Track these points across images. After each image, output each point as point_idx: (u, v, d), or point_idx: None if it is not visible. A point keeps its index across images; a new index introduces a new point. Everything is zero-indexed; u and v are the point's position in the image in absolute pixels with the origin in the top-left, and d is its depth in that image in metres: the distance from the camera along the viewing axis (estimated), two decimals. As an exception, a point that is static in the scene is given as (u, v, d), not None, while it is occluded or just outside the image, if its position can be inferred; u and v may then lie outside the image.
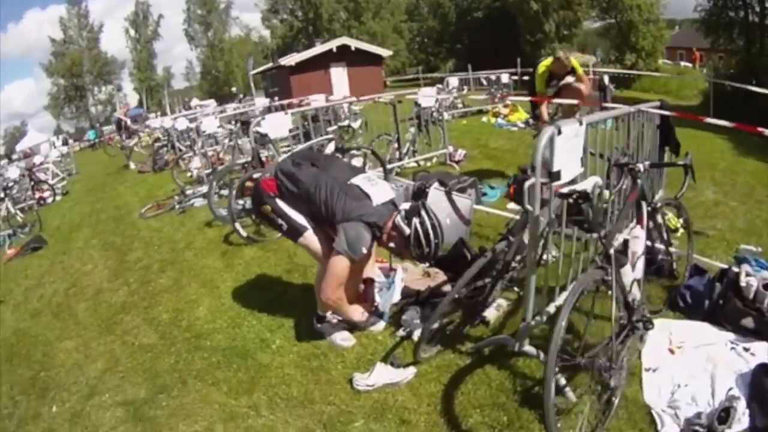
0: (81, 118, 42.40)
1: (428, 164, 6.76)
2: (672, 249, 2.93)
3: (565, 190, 1.91)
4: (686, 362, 2.19)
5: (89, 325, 4.13)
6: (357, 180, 2.53)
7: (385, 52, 25.79)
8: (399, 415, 2.22)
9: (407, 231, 2.37)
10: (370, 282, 3.05)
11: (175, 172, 8.72)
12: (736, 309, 2.31)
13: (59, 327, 4.24)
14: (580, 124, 2.15)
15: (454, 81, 13.51)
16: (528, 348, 2.12)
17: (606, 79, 11.41)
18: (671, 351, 2.26)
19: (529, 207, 2.00)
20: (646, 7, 25.90)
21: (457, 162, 6.68)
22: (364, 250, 2.40)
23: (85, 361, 3.53)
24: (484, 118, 10.69)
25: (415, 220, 2.37)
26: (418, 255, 2.45)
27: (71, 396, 3.12)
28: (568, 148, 2.05)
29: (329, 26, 34.88)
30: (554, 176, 1.98)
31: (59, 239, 7.43)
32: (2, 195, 8.73)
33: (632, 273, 2.08)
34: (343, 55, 22.83)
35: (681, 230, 3.57)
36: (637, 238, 2.18)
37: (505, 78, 13.62)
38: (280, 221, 2.62)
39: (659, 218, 2.62)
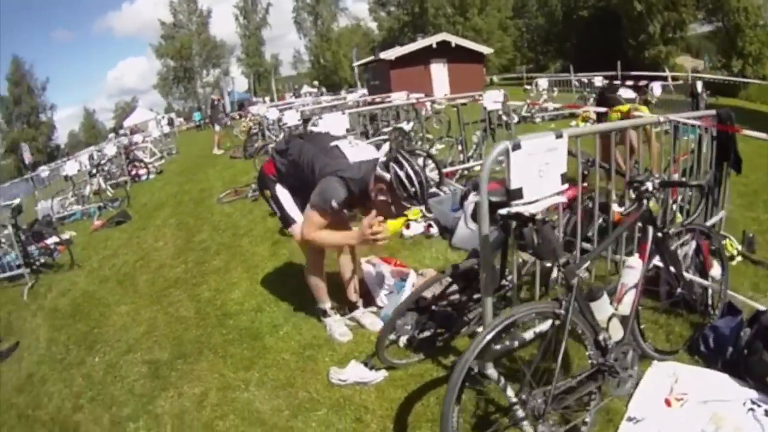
0: (189, 98, 49.34)
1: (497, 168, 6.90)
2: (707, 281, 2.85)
3: (503, 210, 2.01)
4: (683, 418, 2.11)
5: (144, 294, 5.10)
6: (337, 143, 2.95)
7: (486, 50, 27.34)
8: (356, 413, 2.58)
9: (387, 176, 2.65)
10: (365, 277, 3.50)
11: (257, 160, 9.85)
12: (763, 362, 2.24)
13: (119, 293, 5.30)
14: (558, 136, 2.21)
15: (543, 83, 13.80)
16: (489, 371, 2.17)
17: (699, 86, 11.14)
18: (668, 402, 2.17)
19: (472, 226, 2.22)
20: (753, 10, 25.99)
21: None
22: (335, 203, 2.70)
23: (132, 324, 4.44)
24: (573, 122, 10.54)
25: (393, 166, 2.63)
26: (406, 198, 2.66)
27: (112, 351, 4.00)
28: (533, 163, 2.11)
29: (435, 21, 37.87)
30: (513, 194, 2.07)
31: (142, 216, 8.95)
32: (94, 171, 10.75)
33: (610, 308, 2.07)
34: (443, 51, 24.36)
35: (738, 258, 3.42)
36: (631, 268, 2.18)
37: (598, 81, 13.72)
38: (275, 208, 3.13)
39: (678, 246, 2.61)
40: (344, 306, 3.55)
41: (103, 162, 11.79)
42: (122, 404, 3.22)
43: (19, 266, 6.28)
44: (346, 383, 2.78)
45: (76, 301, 5.36)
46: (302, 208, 3.06)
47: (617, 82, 10.39)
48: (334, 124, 5.43)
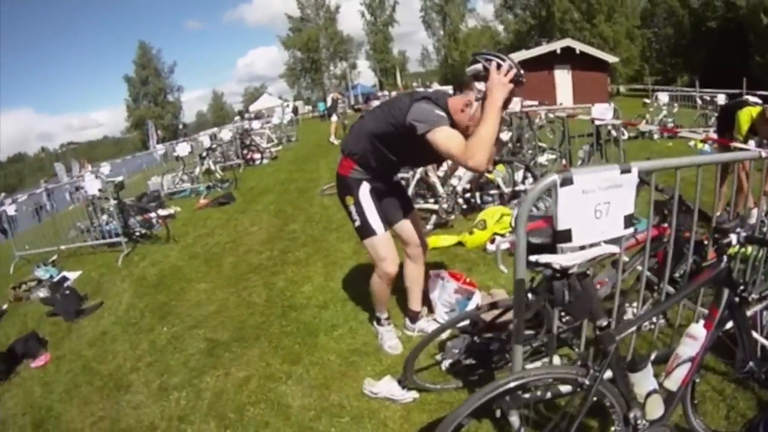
0: (316, 89, 56.92)
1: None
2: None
3: (532, 258, 1.98)
4: None
5: (225, 276, 5.84)
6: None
7: (610, 58, 28.70)
8: (376, 429, 2.80)
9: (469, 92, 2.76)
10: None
11: None
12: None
13: (203, 271, 6.12)
14: (624, 171, 2.11)
15: (663, 97, 13.77)
16: (512, 419, 2.19)
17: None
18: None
19: (503, 268, 2.29)
20: None
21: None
22: (439, 112, 2.75)
23: (205, 302, 5.14)
24: (692, 142, 9.94)
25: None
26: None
27: (180, 324, 4.71)
28: (588, 202, 2.07)
29: (561, 26, 41.26)
30: (560, 236, 2.06)
31: (246, 199, 10.05)
32: (204, 154, 12.47)
33: (653, 382, 2.02)
34: (567, 58, 26.00)
35: None
36: (691, 338, 2.07)
37: (721, 99, 13.32)
38: (355, 216, 3.21)
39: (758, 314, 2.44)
40: (407, 315, 3.80)
41: (213, 146, 13.57)
42: (173, 373, 3.82)
43: (118, 235, 7.61)
44: (377, 396, 3.01)
45: (162, 273, 6.31)
46: (393, 215, 3.37)
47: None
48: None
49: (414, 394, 2.96)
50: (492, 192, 6.27)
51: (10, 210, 8.16)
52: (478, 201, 6.30)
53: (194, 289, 5.56)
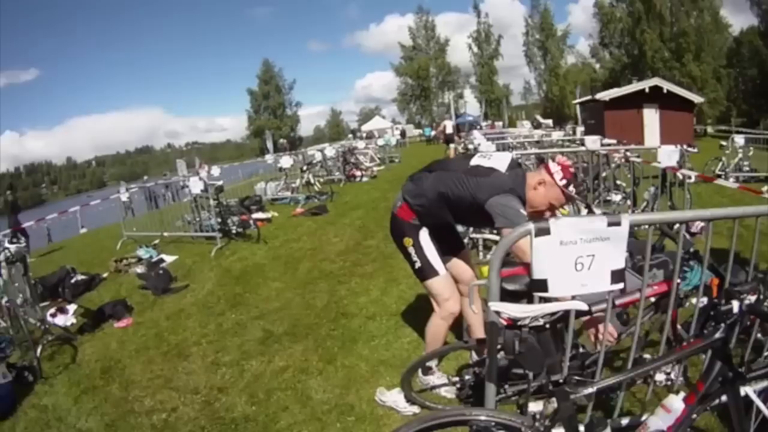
0: (424, 114, 59.96)
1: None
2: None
3: (492, 305, 1.91)
4: None
5: (297, 278, 6.37)
6: (474, 161, 3.04)
7: (696, 98, 28.72)
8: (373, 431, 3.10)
9: (543, 172, 2.86)
10: None
11: None
12: None
13: (280, 272, 6.69)
14: (612, 223, 2.02)
15: (740, 140, 13.00)
16: None
17: None
18: None
19: (474, 309, 2.36)
20: None
21: (693, 234, 6.33)
22: (523, 211, 2.75)
23: (274, 298, 5.70)
24: (765, 187, 8.98)
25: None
26: (576, 185, 2.79)
27: (247, 313, 5.28)
28: (568, 253, 2.01)
29: (652, 64, 42.49)
30: (535, 285, 2.03)
31: (338, 212, 10.66)
32: (305, 168, 13.53)
33: None
34: (655, 97, 26.23)
35: None
36: (665, 410, 1.96)
37: None
38: (415, 258, 3.18)
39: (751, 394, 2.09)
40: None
41: (314, 161, 14.75)
42: (227, 353, 4.35)
43: (215, 230, 8.49)
44: (384, 404, 3.27)
45: (245, 268, 6.99)
46: (444, 254, 3.27)
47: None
48: (500, 159, 5.91)
49: (416, 409, 3.17)
50: None
51: (123, 197, 9.37)
52: None
53: (268, 286, 6.14)
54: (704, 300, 2.59)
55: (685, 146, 7.52)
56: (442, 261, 3.23)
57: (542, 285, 2.02)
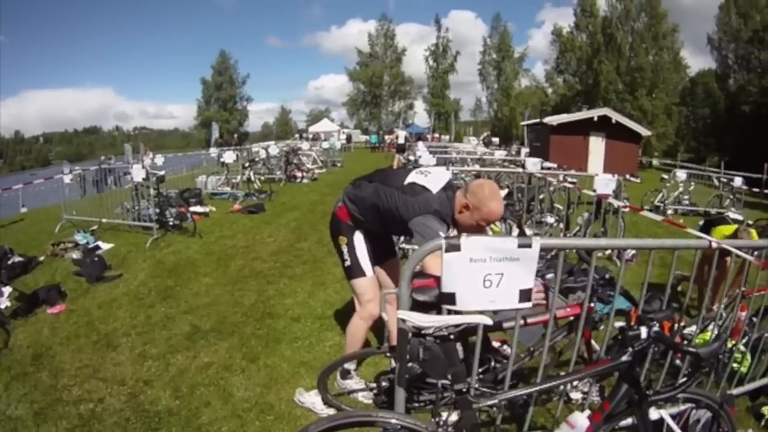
0: (372, 122, 59.85)
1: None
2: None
3: (401, 313, 1.98)
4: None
5: (228, 275, 6.52)
6: (411, 178, 3.12)
7: (644, 131, 29.77)
8: (290, 430, 3.30)
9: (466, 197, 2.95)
10: None
11: None
12: None
13: (212, 267, 6.83)
14: (522, 245, 2.09)
15: (681, 174, 14.10)
16: None
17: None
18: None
19: (384, 316, 2.47)
20: None
21: (625, 261, 6.77)
22: (441, 233, 2.78)
23: (203, 293, 5.84)
24: (702, 221, 9.98)
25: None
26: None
27: (177, 306, 5.42)
28: (477, 270, 2.07)
29: (605, 95, 43.93)
30: (443, 298, 2.10)
31: (274, 212, 10.82)
32: (247, 164, 13.65)
33: None
34: (603, 126, 27.10)
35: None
36: (570, 426, 2.05)
37: (738, 182, 13.82)
38: (346, 256, 3.35)
39: (666, 417, 2.39)
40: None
41: (255, 159, 14.89)
42: (155, 345, 4.46)
43: (152, 221, 8.45)
44: (302, 405, 3.51)
45: (178, 261, 7.06)
46: (375, 259, 3.45)
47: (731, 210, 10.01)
48: (437, 178, 6.29)
49: (331, 412, 3.38)
50: None
51: (66, 179, 9.26)
52: None
53: (199, 281, 6.25)
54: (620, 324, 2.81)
55: (627, 176, 7.93)
56: (372, 264, 3.39)
57: (451, 298, 2.08)
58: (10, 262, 6.60)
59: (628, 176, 23.18)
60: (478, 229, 3.01)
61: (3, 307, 5.35)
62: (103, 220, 8.88)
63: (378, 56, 61.07)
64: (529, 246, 2.08)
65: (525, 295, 2.17)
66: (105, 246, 7.70)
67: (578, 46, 48.84)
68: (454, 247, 2.02)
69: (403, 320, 1.97)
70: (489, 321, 2.03)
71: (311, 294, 5.79)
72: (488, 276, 2.09)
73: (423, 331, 1.96)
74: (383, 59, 61.08)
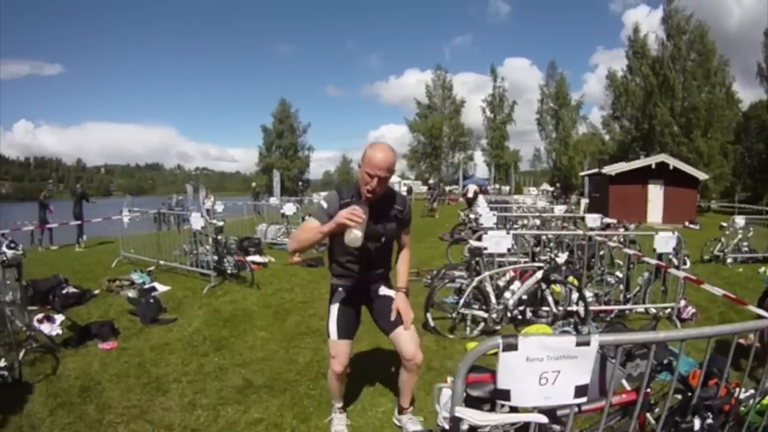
0: (433, 173, 61.12)
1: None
2: None
3: (458, 412, 2.03)
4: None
5: (284, 331, 6.62)
6: None
7: (701, 175, 29.72)
8: None
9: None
10: None
11: (451, 250, 11.56)
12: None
13: (268, 321, 6.94)
14: (581, 343, 2.10)
15: (740, 221, 13.82)
16: None
17: None
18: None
19: (437, 408, 2.46)
20: None
21: (683, 320, 6.89)
22: (323, 203, 3.45)
23: (258, 348, 5.94)
24: (762, 268, 10.01)
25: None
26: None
27: (230, 358, 5.54)
28: (533, 369, 2.09)
29: (661, 139, 44.59)
30: (498, 394, 2.10)
31: (334, 269, 10.89)
32: (307, 217, 13.65)
33: None
34: (661, 172, 27.38)
35: None
36: None
37: None
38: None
39: None
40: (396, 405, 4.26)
41: None
42: (205, 395, 4.56)
43: (210, 268, 8.77)
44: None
45: (235, 312, 7.24)
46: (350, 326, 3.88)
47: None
48: (497, 240, 6.59)
49: None
50: (545, 308, 6.51)
51: (126, 219, 9.81)
52: (530, 315, 6.60)
53: (254, 334, 6.36)
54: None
55: (686, 223, 7.81)
56: (384, 330, 3.79)
57: (506, 395, 2.10)
58: (64, 292, 7.03)
59: (687, 223, 23.54)
60: (368, 180, 3.31)
61: (54, 334, 5.69)
62: (161, 262, 9.27)
63: (437, 107, 64.15)
64: (588, 344, 2.11)
65: (581, 390, 2.17)
66: (161, 288, 8.03)
67: (632, 91, 49.50)
68: (511, 347, 2.04)
69: (459, 418, 2.02)
70: (545, 419, 2.11)
71: (368, 357, 5.74)
72: (544, 374, 2.11)
73: (479, 430, 2.07)
74: (442, 110, 64.11)
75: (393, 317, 3.69)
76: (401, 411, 4.12)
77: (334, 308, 3.79)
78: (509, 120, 63.08)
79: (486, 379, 2.34)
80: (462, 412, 2.00)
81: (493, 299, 6.37)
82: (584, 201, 24.53)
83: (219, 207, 14.15)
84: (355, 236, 3.02)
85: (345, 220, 3.00)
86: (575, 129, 60.31)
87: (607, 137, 55.34)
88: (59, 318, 5.94)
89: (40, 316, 5.94)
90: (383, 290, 3.82)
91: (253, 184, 27.03)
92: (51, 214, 14.61)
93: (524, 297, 6.48)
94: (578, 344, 2.09)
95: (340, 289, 3.78)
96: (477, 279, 6.35)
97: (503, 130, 62.74)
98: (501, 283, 6.70)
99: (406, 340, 3.68)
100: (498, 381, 2.09)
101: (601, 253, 8.04)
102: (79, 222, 13.38)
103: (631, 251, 7.46)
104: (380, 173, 3.29)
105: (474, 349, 2.12)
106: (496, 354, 2.07)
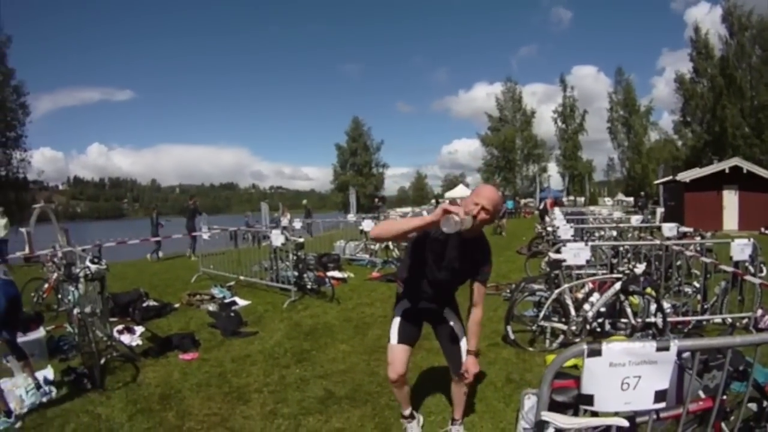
0: (507, 187, 61.92)
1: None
2: None
3: (544, 415, 2.18)
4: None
5: (365, 344, 6.68)
6: None
7: None
8: None
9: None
10: None
11: (530, 263, 11.49)
12: None
13: (349, 335, 7.03)
14: (661, 348, 2.21)
15: None
16: None
17: None
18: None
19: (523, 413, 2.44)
20: None
21: (760, 330, 6.65)
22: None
23: (340, 360, 6.04)
24: None
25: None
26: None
27: (312, 370, 5.66)
28: (616, 374, 2.21)
29: (733, 142, 44.33)
30: (582, 399, 2.21)
31: (416, 283, 10.88)
32: None
33: None
34: (735, 177, 26.85)
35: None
36: None
37: None
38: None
39: None
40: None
41: None
42: (287, 405, 4.69)
43: (291, 283, 9.08)
44: None
45: (316, 325, 7.41)
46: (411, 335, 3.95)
47: None
48: (576, 252, 6.64)
49: None
50: (624, 320, 6.46)
51: (205, 236, 10.27)
52: (609, 327, 6.53)
53: (335, 347, 6.47)
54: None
55: (763, 229, 7.37)
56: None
57: (589, 400, 2.21)
58: (144, 305, 7.41)
59: (763, 229, 22.76)
60: (473, 207, 3.32)
61: (134, 344, 6.08)
62: (241, 277, 9.56)
63: (508, 120, 65.19)
64: (668, 349, 2.22)
65: (660, 395, 2.29)
66: (241, 302, 8.33)
67: (699, 94, 49.29)
68: (595, 353, 2.18)
69: (544, 423, 2.19)
70: (626, 423, 2.23)
71: (448, 369, 5.63)
72: (626, 379, 2.24)
73: None
74: (513, 122, 65.01)
75: (457, 367, 3.89)
76: (453, 421, 4.27)
77: (398, 313, 3.95)
78: (581, 129, 63.41)
79: (570, 384, 2.46)
80: (548, 416, 2.17)
81: (573, 311, 6.42)
82: (660, 210, 24.25)
83: (297, 224, 14.52)
84: (453, 220, 3.01)
85: (447, 207, 3.03)
86: (647, 136, 60.29)
87: (679, 143, 55.06)
88: (139, 329, 6.35)
89: (120, 327, 6.39)
90: (447, 312, 3.97)
91: (304, 202, 27.56)
92: (161, 229, 16.17)
93: (602, 309, 6.51)
94: (659, 349, 2.21)
95: (406, 299, 3.89)
96: (557, 291, 6.41)
97: (576, 140, 63.09)
98: (580, 295, 6.72)
99: (456, 366, 3.90)
100: (582, 386, 2.22)
101: (678, 263, 7.96)
102: (194, 234, 14.37)
103: (708, 260, 7.36)
104: (486, 204, 3.35)
105: (560, 355, 2.25)
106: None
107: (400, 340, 3.86)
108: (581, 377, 2.20)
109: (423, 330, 3.99)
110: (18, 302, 4.79)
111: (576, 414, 2.42)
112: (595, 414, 2.28)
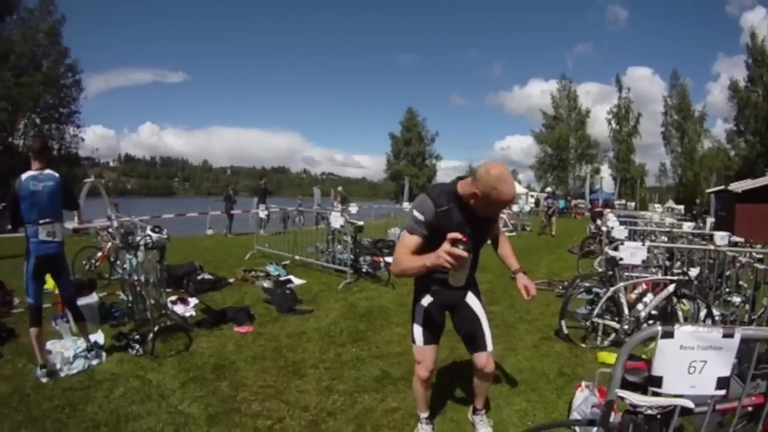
0: (560, 186, 62.66)
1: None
2: None
3: (621, 392, 2.30)
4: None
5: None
6: None
7: None
8: None
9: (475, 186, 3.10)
10: None
11: (582, 262, 11.44)
12: None
13: (405, 318, 6.88)
14: (726, 335, 2.31)
15: None
16: None
17: None
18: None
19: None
20: None
21: None
22: (417, 214, 3.17)
23: (395, 342, 6.05)
24: None
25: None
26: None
27: (368, 350, 5.71)
28: (684, 357, 2.31)
29: None
30: (652, 381, 2.32)
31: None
32: None
33: None
34: None
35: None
36: None
37: None
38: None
39: None
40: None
41: None
42: (342, 382, 4.74)
43: (347, 265, 9.20)
44: None
45: (371, 307, 7.47)
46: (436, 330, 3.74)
47: None
48: (632, 252, 6.60)
49: None
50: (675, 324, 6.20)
51: (262, 214, 10.48)
52: None
53: (391, 330, 6.49)
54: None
55: None
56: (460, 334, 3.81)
57: (658, 381, 2.32)
58: (199, 278, 7.58)
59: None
60: (494, 214, 3.27)
61: (188, 315, 6.31)
62: (296, 257, 9.67)
63: (562, 118, 65.16)
64: (732, 336, 2.31)
65: (722, 382, 2.39)
66: (297, 281, 8.48)
67: (754, 103, 48.66)
68: (668, 334, 2.28)
69: (621, 398, 2.34)
70: (691, 405, 2.35)
71: (501, 358, 5.66)
72: (693, 362, 2.34)
73: (638, 410, 2.36)
74: (568, 121, 65.06)
75: (480, 345, 3.73)
76: (475, 411, 4.19)
77: (420, 312, 3.73)
78: (635, 132, 63.01)
79: (641, 366, 2.53)
80: (624, 393, 2.32)
81: (626, 310, 6.45)
82: (710, 220, 23.84)
83: (353, 209, 14.60)
84: (458, 278, 2.89)
85: (448, 264, 2.75)
86: (700, 142, 59.19)
87: (732, 152, 54.26)
88: (193, 301, 6.59)
89: (173, 298, 6.64)
90: (469, 296, 3.76)
91: (339, 188, 27.19)
92: (235, 205, 17.09)
93: (653, 312, 6.52)
94: (724, 335, 2.32)
95: (427, 294, 3.66)
96: (612, 289, 6.46)
97: (629, 143, 62.78)
98: (633, 295, 6.73)
99: (479, 348, 3.74)
100: (653, 368, 2.33)
101: (728, 273, 7.96)
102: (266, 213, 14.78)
103: (761, 266, 7.23)
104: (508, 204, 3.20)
105: (635, 335, 2.39)
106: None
107: (426, 341, 3.70)
108: (653, 359, 2.32)
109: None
110: (56, 261, 4.81)
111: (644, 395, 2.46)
112: (658, 396, 2.38)
